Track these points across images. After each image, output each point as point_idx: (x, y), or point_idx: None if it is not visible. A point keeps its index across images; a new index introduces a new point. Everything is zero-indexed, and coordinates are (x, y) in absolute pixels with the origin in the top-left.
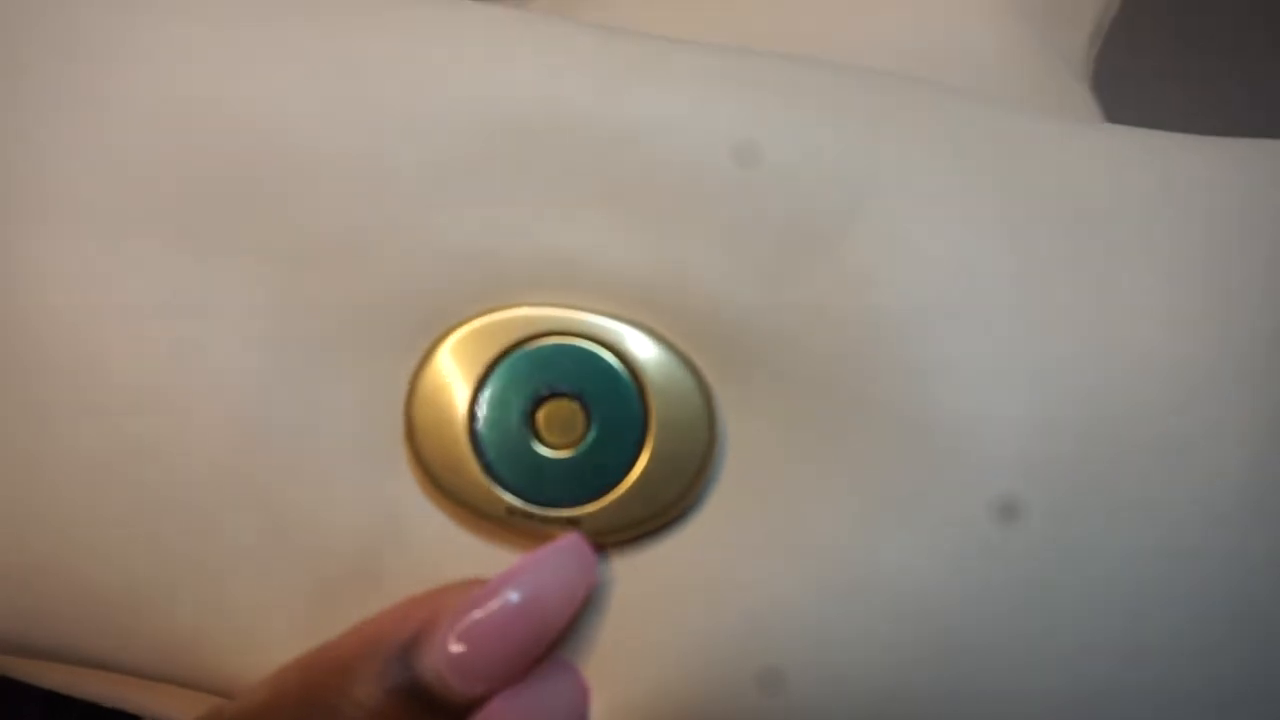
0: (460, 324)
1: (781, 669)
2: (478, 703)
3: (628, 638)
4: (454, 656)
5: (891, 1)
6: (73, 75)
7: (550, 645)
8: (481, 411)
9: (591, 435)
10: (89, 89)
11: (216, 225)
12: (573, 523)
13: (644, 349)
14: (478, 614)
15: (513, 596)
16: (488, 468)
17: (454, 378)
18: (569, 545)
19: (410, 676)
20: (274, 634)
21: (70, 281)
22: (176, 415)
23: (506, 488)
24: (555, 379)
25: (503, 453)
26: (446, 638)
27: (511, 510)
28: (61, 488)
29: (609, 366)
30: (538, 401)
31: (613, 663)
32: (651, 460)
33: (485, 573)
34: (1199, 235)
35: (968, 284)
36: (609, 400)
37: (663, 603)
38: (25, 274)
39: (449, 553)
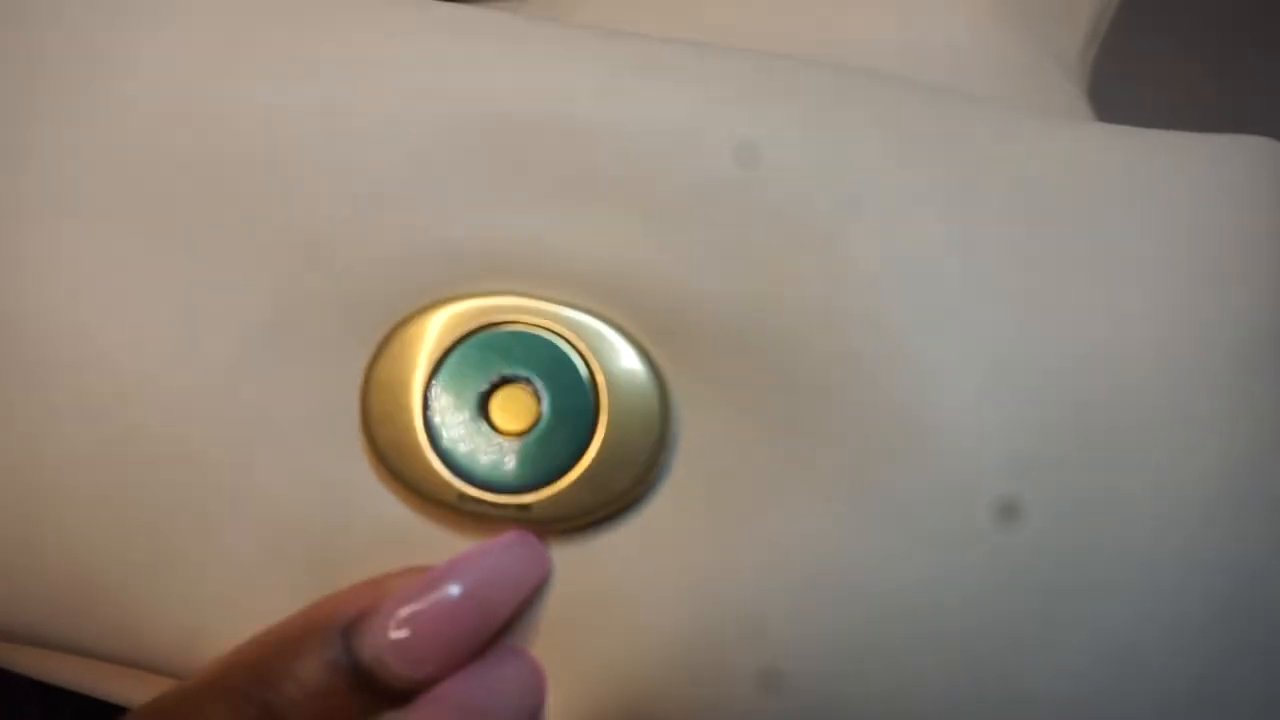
0: (417, 312)
1: (763, 663)
2: (420, 686)
3: (578, 624)
4: (392, 641)
5: (879, 3)
6: (63, 77)
7: (496, 633)
8: (435, 398)
9: (543, 422)
10: (78, 91)
11: (199, 219)
12: (523, 509)
13: (598, 337)
14: (417, 603)
15: (453, 587)
16: (440, 454)
17: (409, 365)
18: (516, 538)
19: (351, 657)
20: (241, 620)
21: (57, 272)
22: (157, 404)
23: (458, 474)
24: (508, 364)
25: (455, 439)
26: (386, 622)
27: (462, 496)
28: (46, 478)
29: (561, 353)
30: (491, 388)
31: (565, 649)
32: (602, 448)
33: (438, 558)
34: (1183, 231)
35: (958, 286)
36: (561, 387)
37: (614, 590)
38: (13, 262)
39: (403, 538)
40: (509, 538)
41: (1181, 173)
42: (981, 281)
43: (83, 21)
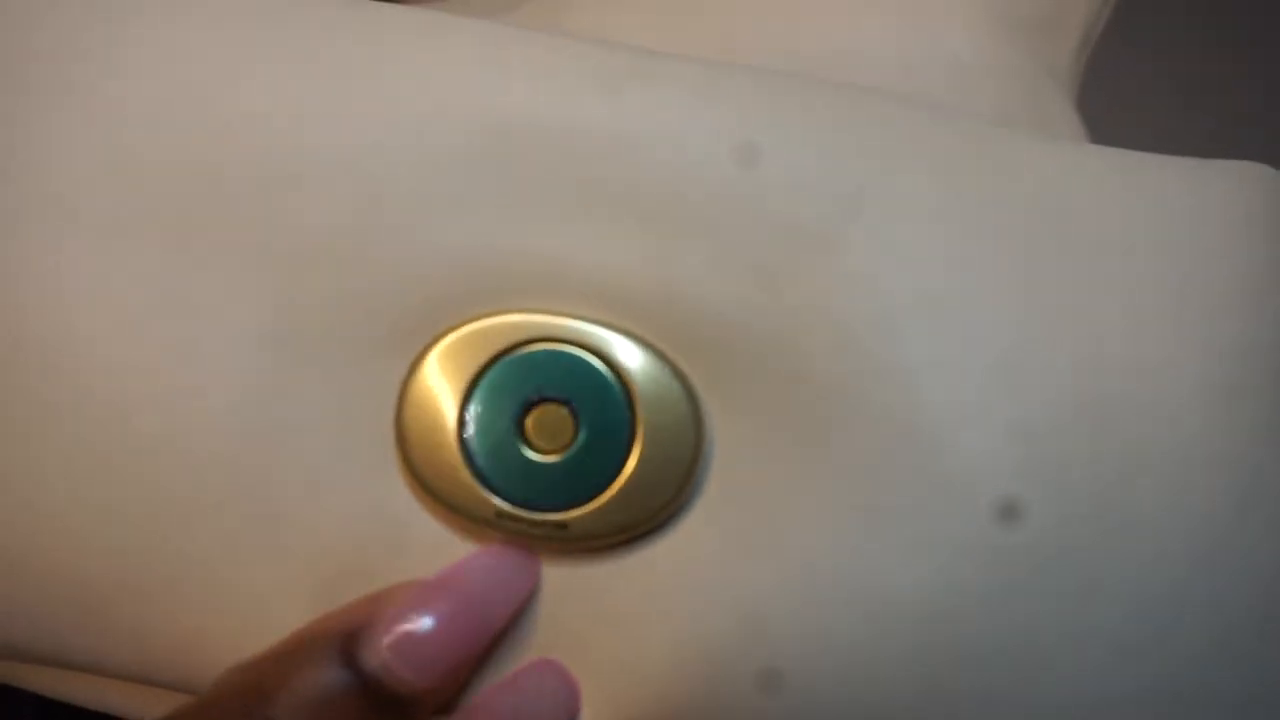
0: (451, 329)
1: (775, 669)
2: (422, 695)
3: (617, 639)
4: (392, 649)
5: (875, 13)
6: (70, 79)
7: (490, 641)
8: (471, 416)
9: (580, 440)
10: (85, 93)
11: (210, 227)
12: (561, 526)
13: (632, 355)
14: (416, 612)
15: (451, 595)
16: (477, 472)
17: (444, 383)
18: (507, 547)
19: (351, 667)
20: (267, 635)
21: (64, 282)
22: (170, 415)
23: (495, 492)
24: (544, 384)
25: (492, 457)
26: (386, 632)
27: (500, 514)
28: (56, 491)
29: (597, 373)
30: (527, 407)
31: (602, 663)
32: (639, 465)
33: None
34: (1178, 250)
35: (958, 289)
36: (597, 406)
37: (651, 605)
38: (20, 274)
39: (440, 556)
40: (500, 547)
41: (1179, 196)
42: (989, 290)
43: (82, 22)
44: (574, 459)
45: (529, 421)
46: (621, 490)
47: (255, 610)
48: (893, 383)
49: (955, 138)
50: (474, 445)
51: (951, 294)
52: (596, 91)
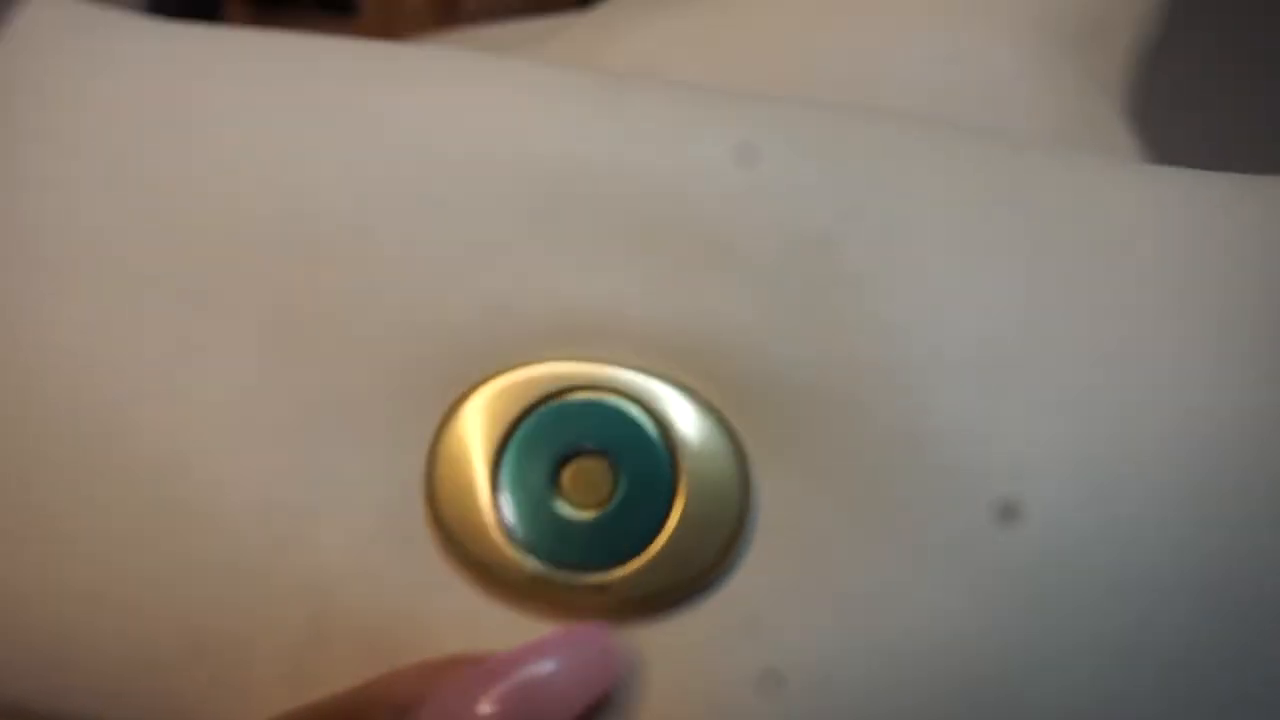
0: (482, 381)
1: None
2: None
3: (656, 711)
4: None
5: (918, 28)
6: (91, 137)
7: None
8: (505, 472)
9: (619, 495)
10: (107, 150)
11: (234, 285)
12: (600, 589)
13: (672, 403)
14: (460, 702)
15: (499, 690)
16: (510, 532)
17: (476, 438)
18: (578, 633)
19: None
20: (279, 697)
21: (86, 345)
22: (187, 478)
23: (530, 553)
24: (580, 435)
25: (526, 516)
26: (439, 713)
27: (535, 579)
28: (73, 553)
29: (636, 422)
30: (563, 460)
31: None
32: (682, 521)
33: (509, 643)
34: (1217, 275)
35: (994, 329)
36: (637, 457)
37: (690, 673)
38: (41, 336)
39: (469, 623)
40: (578, 631)
41: (1224, 213)
42: (1023, 326)
43: (102, 79)
44: (613, 515)
45: (565, 475)
46: (664, 549)
47: (279, 685)
48: (925, 427)
49: (985, 161)
50: (507, 503)
51: (988, 337)
52: (619, 133)
